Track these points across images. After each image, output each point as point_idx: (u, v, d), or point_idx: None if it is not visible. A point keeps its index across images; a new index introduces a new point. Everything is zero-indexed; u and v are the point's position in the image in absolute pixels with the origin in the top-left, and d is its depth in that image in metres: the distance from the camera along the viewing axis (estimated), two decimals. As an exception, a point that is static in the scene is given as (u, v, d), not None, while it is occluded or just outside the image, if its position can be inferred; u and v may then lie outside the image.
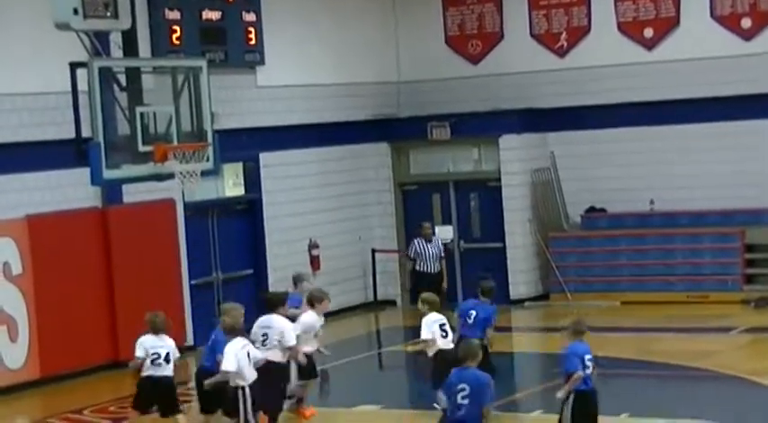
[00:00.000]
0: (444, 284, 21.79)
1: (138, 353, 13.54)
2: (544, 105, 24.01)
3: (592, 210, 24.06)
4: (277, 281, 22.38)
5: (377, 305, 24.68)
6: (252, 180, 22.40)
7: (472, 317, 15.37)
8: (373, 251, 23.74)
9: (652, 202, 23.14)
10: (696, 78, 22.76)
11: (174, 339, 15.66)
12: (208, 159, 18.09)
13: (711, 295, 22.17)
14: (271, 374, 12.92)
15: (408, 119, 24.87)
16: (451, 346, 14.41)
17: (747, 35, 22.58)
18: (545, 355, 20.43)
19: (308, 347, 15.83)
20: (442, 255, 22.00)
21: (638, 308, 22.70)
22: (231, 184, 22.30)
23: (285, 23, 22.95)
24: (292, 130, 22.88)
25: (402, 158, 25.17)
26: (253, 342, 12.91)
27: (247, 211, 22.43)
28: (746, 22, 22.61)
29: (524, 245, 23.90)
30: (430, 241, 21.93)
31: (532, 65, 24.40)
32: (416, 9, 25.49)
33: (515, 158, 24.19)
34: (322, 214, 23.38)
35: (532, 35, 24.29)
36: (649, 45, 23.34)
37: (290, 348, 13.38)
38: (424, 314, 14.83)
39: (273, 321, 13.30)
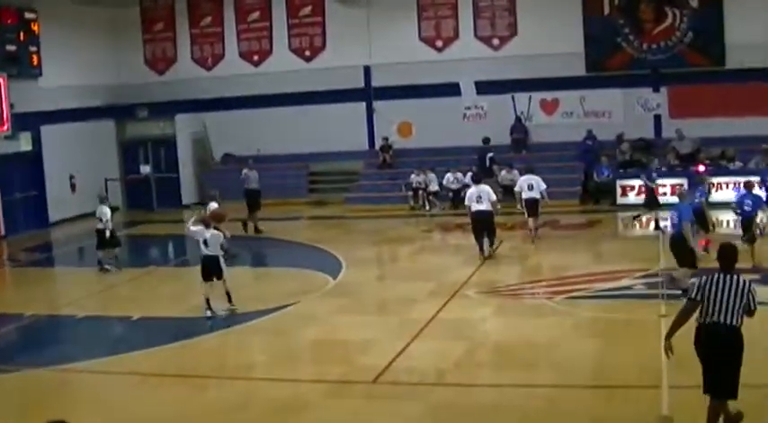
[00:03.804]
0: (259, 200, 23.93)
1: None
2: (200, 97, 30.24)
3: (226, 155, 30.47)
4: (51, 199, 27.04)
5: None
6: (36, 142, 26.96)
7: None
8: (106, 179, 29.07)
9: (258, 150, 29.02)
10: (276, 82, 29.46)
11: None
12: (8, 130, 24.54)
13: (292, 200, 28.31)
14: None
15: (125, 106, 30.47)
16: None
17: (309, 58, 29.81)
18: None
19: None
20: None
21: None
22: (24, 144, 26.55)
23: (57, 50, 27.45)
24: (60, 113, 27.43)
25: (122, 128, 30.75)
26: None
27: (34, 160, 27.14)
28: (307, 53, 29.69)
29: (188, 174, 30.12)
30: (252, 170, 24.52)
31: (193, 74, 30.66)
32: (127, 45, 31.15)
33: (184, 127, 30.43)
34: (79, 158, 28.45)
35: (193, 59, 31.17)
36: (257, 63, 29.94)
37: None
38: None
39: None
